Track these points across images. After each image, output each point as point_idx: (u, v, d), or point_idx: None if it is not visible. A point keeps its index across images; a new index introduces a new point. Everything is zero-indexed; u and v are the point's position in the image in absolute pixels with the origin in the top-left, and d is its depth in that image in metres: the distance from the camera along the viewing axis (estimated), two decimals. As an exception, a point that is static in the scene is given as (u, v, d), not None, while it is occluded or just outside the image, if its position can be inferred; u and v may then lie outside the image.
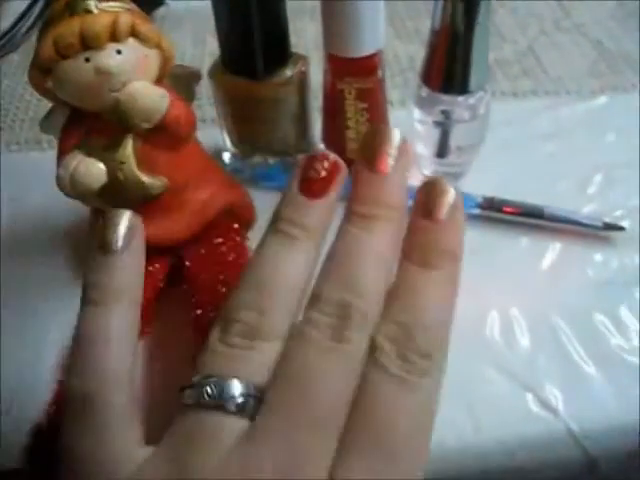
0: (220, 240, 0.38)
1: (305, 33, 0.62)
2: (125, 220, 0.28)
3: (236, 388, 0.24)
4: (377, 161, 0.27)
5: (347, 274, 0.25)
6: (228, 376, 0.24)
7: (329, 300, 0.25)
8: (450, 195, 0.26)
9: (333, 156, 0.27)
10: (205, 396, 0.23)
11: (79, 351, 0.26)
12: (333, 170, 0.27)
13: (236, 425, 0.23)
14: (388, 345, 0.24)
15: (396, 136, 0.27)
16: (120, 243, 0.27)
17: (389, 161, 0.27)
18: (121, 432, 0.25)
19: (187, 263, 0.37)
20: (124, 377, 0.26)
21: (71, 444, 0.25)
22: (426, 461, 0.24)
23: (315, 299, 0.25)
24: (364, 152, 0.27)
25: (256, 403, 0.24)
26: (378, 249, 0.26)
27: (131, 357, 0.26)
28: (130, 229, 0.28)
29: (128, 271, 0.27)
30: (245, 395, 0.24)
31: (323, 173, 0.27)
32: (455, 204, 0.26)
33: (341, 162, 0.27)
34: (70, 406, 0.25)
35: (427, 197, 0.27)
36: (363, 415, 0.24)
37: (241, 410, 0.23)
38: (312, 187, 0.27)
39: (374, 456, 0.23)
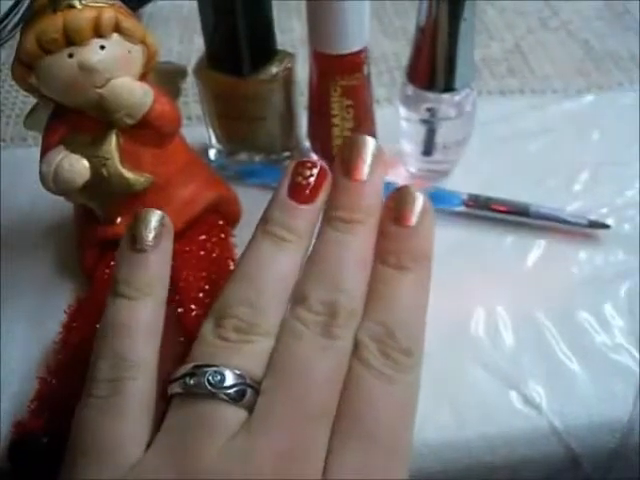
0: (204, 237, 0.38)
1: (291, 30, 0.62)
2: (157, 219, 0.29)
3: (234, 377, 0.24)
4: (354, 170, 0.28)
5: (332, 275, 0.27)
6: (226, 366, 0.25)
7: (317, 299, 0.26)
8: (419, 202, 0.28)
9: (320, 163, 0.29)
10: (205, 384, 0.24)
11: (108, 339, 0.27)
12: (320, 177, 0.28)
13: (234, 415, 0.24)
14: (371, 343, 0.26)
15: (371, 145, 0.29)
16: (151, 242, 0.28)
17: (365, 169, 0.28)
18: (135, 420, 0.25)
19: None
20: (148, 367, 0.27)
21: (85, 422, 0.26)
22: (410, 451, 0.26)
23: (302, 298, 0.26)
24: (342, 161, 0.29)
25: (253, 393, 0.25)
26: (359, 251, 0.27)
27: (156, 349, 0.27)
28: (161, 228, 0.29)
29: (157, 269, 0.28)
30: (243, 384, 0.24)
31: (311, 180, 0.28)
32: (424, 210, 0.28)
33: (327, 169, 0.29)
34: (93, 388, 0.26)
35: (398, 205, 0.28)
36: (351, 406, 0.25)
37: (238, 400, 0.24)
38: (301, 193, 0.28)
39: (363, 444, 0.24)
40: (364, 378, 0.25)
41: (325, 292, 0.26)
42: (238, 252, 0.39)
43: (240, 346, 0.25)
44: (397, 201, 0.28)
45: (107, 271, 0.38)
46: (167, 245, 0.29)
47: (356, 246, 0.27)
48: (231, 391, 0.24)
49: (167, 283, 0.29)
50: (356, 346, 0.26)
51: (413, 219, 0.28)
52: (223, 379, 0.24)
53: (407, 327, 0.26)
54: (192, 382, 0.25)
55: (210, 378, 0.24)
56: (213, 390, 0.24)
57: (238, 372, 0.25)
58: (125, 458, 0.24)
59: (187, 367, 0.25)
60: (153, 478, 0.24)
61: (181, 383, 0.25)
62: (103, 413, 0.25)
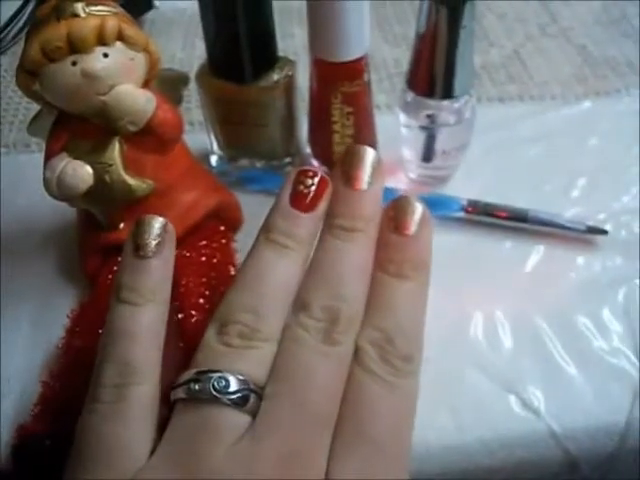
0: (204, 242, 0.39)
1: (292, 36, 0.62)
2: (160, 226, 0.29)
3: (237, 382, 0.25)
4: (354, 179, 0.29)
5: (333, 282, 0.27)
6: (229, 371, 0.25)
7: (318, 305, 0.26)
8: (419, 211, 0.29)
9: (321, 172, 0.29)
10: (210, 390, 0.25)
11: (112, 345, 0.27)
12: (321, 186, 0.29)
13: (238, 420, 0.25)
14: (371, 349, 0.26)
15: (371, 155, 0.29)
16: (154, 248, 0.28)
17: (365, 179, 0.29)
18: (139, 426, 0.26)
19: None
20: (152, 372, 0.27)
21: (90, 428, 0.26)
22: (410, 454, 0.26)
23: (304, 305, 0.27)
24: (342, 171, 0.29)
25: (256, 399, 0.25)
26: (359, 259, 0.28)
27: (160, 355, 0.28)
28: (164, 235, 0.29)
29: (160, 275, 0.29)
30: (246, 390, 0.25)
31: (312, 188, 0.29)
32: (423, 219, 0.29)
33: (328, 178, 0.29)
34: (98, 393, 0.26)
35: (398, 214, 0.29)
36: (352, 411, 0.25)
37: (242, 405, 0.25)
38: (302, 201, 0.28)
39: (363, 448, 0.25)
40: (365, 383, 0.26)
41: (326, 299, 0.27)
42: (240, 257, 0.40)
43: (243, 352, 0.26)
44: (397, 210, 0.29)
45: (110, 276, 0.38)
46: (170, 251, 0.29)
47: (356, 254, 0.28)
48: (235, 396, 0.24)
49: (170, 289, 0.29)
50: (357, 352, 0.26)
51: (412, 228, 0.28)
52: (228, 385, 0.25)
53: (406, 333, 0.27)
54: (197, 388, 0.25)
55: (215, 384, 0.25)
56: (217, 395, 0.24)
57: (242, 377, 0.25)
58: (131, 462, 0.25)
59: (191, 373, 0.26)
60: None
61: (185, 389, 0.25)
62: (108, 419, 0.25)
